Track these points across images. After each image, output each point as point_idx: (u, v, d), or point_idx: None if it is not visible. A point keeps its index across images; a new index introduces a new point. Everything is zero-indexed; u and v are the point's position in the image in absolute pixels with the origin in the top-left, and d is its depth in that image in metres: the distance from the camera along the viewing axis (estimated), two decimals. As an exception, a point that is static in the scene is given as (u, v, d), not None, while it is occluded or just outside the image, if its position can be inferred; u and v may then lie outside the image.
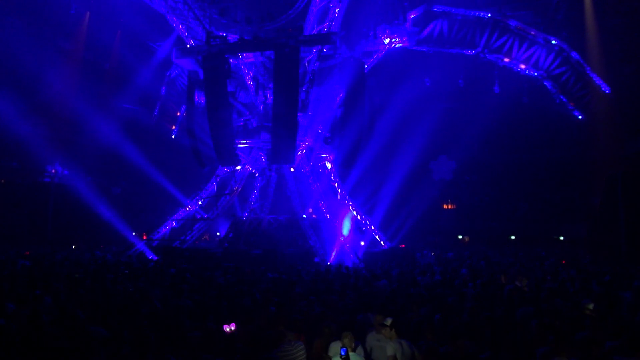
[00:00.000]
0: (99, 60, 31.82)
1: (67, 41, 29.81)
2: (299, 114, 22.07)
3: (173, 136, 31.32)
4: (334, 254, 19.92)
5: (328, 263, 18.32)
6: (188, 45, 23.85)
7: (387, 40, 24.39)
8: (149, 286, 10.58)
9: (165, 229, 24.40)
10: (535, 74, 25.95)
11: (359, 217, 23.48)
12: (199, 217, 24.86)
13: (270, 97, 23.24)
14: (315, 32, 23.03)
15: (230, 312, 8.02)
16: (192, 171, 27.10)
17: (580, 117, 26.38)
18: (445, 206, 32.89)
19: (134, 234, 25.05)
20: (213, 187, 25.23)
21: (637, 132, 24.88)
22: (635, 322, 7.09)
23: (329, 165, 24.30)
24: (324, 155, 24.28)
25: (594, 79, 25.18)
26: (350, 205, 23.58)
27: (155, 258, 19.55)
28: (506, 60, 25.69)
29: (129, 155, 26.90)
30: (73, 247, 24.20)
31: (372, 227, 23.70)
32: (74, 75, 29.76)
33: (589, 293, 9.67)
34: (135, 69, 30.43)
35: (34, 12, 27.36)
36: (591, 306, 7.85)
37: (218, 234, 29.44)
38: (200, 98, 24.13)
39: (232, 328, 6.26)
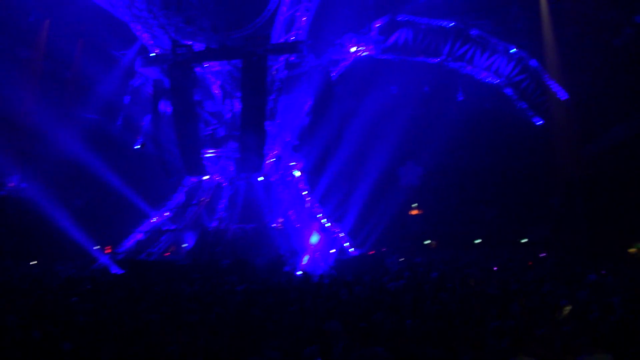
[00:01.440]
0: (59, 69, 30.92)
1: (26, 50, 28.87)
2: (267, 123, 22.03)
3: (139, 146, 30.67)
4: (304, 262, 19.88)
5: (299, 272, 18.25)
6: (153, 54, 23.48)
7: (353, 49, 24.67)
8: (114, 301, 10.30)
9: (130, 242, 23.79)
10: (497, 81, 26.76)
11: (328, 224, 23.52)
12: (165, 228, 24.37)
13: (237, 106, 23.12)
14: (282, 40, 23.08)
15: (201, 324, 7.88)
16: (158, 182, 26.56)
17: (539, 122, 27.29)
18: (413, 212, 33.29)
19: (97, 247, 24.32)
20: (180, 197, 24.82)
21: (592, 136, 25.86)
22: (597, 318, 7.33)
23: (297, 174, 24.29)
24: (293, 164, 24.26)
25: (552, 85, 26.11)
26: (320, 213, 23.60)
27: (120, 272, 19.05)
28: (469, 68, 26.42)
29: (92, 167, 26.18)
30: (32, 263, 23.32)
31: (342, 234, 23.78)
32: (33, 85, 28.83)
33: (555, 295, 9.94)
34: (98, 78, 29.71)
35: (-9, 21, 26.44)
36: (568, 308, 8.05)
37: (186, 245, 28.93)
38: (166, 107, 23.78)
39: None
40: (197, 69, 22.66)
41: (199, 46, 22.99)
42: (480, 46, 25.82)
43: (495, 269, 16.45)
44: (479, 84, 27.37)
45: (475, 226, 30.52)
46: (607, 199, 20.83)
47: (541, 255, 21.02)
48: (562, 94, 26.20)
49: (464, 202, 32.18)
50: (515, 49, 25.65)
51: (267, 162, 23.09)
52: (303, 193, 24.00)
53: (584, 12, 25.49)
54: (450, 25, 25.22)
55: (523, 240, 28.10)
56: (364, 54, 25.07)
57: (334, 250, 22.29)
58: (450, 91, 28.57)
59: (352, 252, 23.07)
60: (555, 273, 14.11)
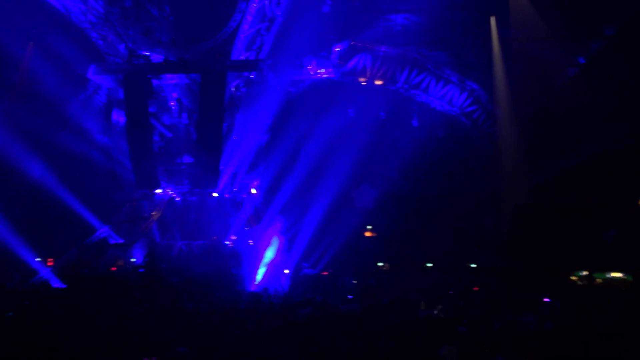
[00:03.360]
0: (6, 72, 29.49)
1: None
2: (224, 139, 21.83)
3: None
4: (256, 281, 19.59)
5: (250, 290, 17.97)
6: (108, 63, 22.89)
7: (313, 71, 24.99)
8: (53, 318, 9.75)
9: (74, 255, 22.70)
10: (450, 110, 27.75)
11: (282, 243, 23.34)
12: (113, 242, 23.44)
13: (194, 120, 22.82)
14: (243, 58, 23.09)
15: (149, 344, 7.57)
16: (107, 193, 25.59)
17: (489, 151, 28.40)
18: (366, 234, 33.54)
19: (38, 259, 23.01)
20: (130, 210, 24.01)
21: (538, 167, 27.10)
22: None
23: (253, 191, 24.09)
24: (248, 181, 24.06)
25: (502, 117, 27.30)
26: (274, 231, 23.41)
27: (63, 286, 18.11)
28: (424, 96, 27.28)
29: (35, 175, 24.93)
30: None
31: (296, 254, 23.64)
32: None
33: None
34: (47, 84, 28.55)
35: None
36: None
37: (134, 260, 27.86)
38: (119, 117, 23.15)
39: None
40: (154, 81, 22.24)
41: (156, 57, 22.64)
42: (435, 76, 26.76)
43: (451, 292, 16.75)
44: (433, 111, 28.24)
45: (427, 250, 31.04)
46: (551, 227, 21.75)
47: (488, 280, 21.59)
48: (511, 126, 27.42)
49: (417, 225, 32.71)
50: (468, 81, 26.75)
51: (222, 178, 22.79)
52: (258, 211, 23.79)
53: (531, 51, 26.95)
54: (408, 54, 26.03)
55: (472, 265, 28.82)
56: (324, 76, 25.43)
57: (287, 270, 22.12)
58: (405, 117, 29.30)
59: (305, 271, 22.96)
60: (501, 298, 14.54)
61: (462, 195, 31.05)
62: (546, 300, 13.93)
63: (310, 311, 11.46)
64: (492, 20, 26.65)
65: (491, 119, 27.46)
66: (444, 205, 31.59)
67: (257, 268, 20.45)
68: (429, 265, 29.65)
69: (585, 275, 20.02)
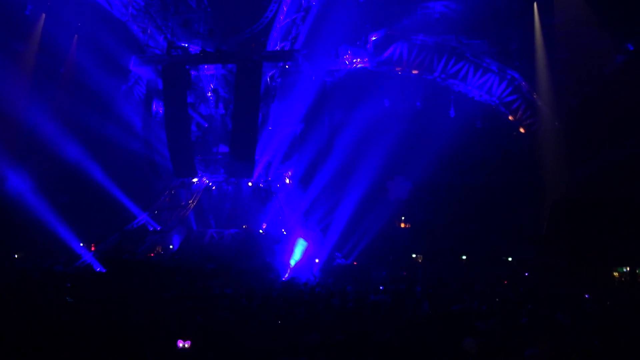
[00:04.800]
0: (53, 64, 30.68)
1: (21, 43, 28.64)
2: (259, 129, 22.04)
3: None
4: (289, 270, 19.81)
5: (283, 279, 18.19)
6: (148, 54, 23.47)
7: (348, 60, 24.83)
8: (94, 300, 10.16)
9: (115, 241, 23.56)
10: (489, 100, 27.03)
11: (315, 233, 23.49)
12: (151, 229, 24.18)
13: (230, 110, 23.14)
14: (278, 48, 23.19)
15: (183, 328, 7.80)
16: (146, 182, 26.37)
17: (529, 143, 27.56)
18: (400, 225, 33.35)
19: (81, 244, 24.03)
20: (168, 198, 24.67)
21: (581, 161, 26.15)
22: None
23: (287, 181, 24.29)
24: (283, 171, 24.26)
25: (543, 108, 26.43)
26: (308, 221, 23.58)
27: (104, 270, 18.84)
28: (461, 85, 26.66)
29: (79, 163, 25.91)
30: (15, 256, 23.00)
31: (329, 244, 23.75)
32: (26, 78, 28.57)
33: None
34: (91, 75, 29.52)
35: (-14, 12, 26.19)
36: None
37: (171, 247, 28.71)
38: (158, 108, 23.72)
39: (187, 345, 6.11)
40: (192, 72, 22.66)
41: (194, 48, 23.04)
42: (473, 65, 26.05)
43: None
44: (471, 101, 27.60)
45: (461, 242, 30.62)
46: (592, 223, 21.03)
47: (525, 274, 21.14)
48: (553, 117, 26.53)
49: (451, 218, 32.29)
50: (508, 70, 25.95)
51: (258, 167, 23.06)
52: (292, 200, 23.98)
53: (576, 39, 25.90)
54: (445, 42, 25.47)
55: (508, 259, 28.27)
56: (359, 65, 25.24)
57: (319, 259, 22.26)
58: (442, 108, 28.77)
59: (338, 262, 23.05)
60: (537, 293, 14.19)
61: (499, 188, 30.37)
62: (587, 296, 13.50)
63: (341, 300, 11.52)
64: (535, 6, 25.73)
65: (531, 109, 26.58)
66: (480, 198, 31.01)
67: (290, 257, 20.66)
68: (464, 257, 29.26)
69: (627, 271, 19.32)
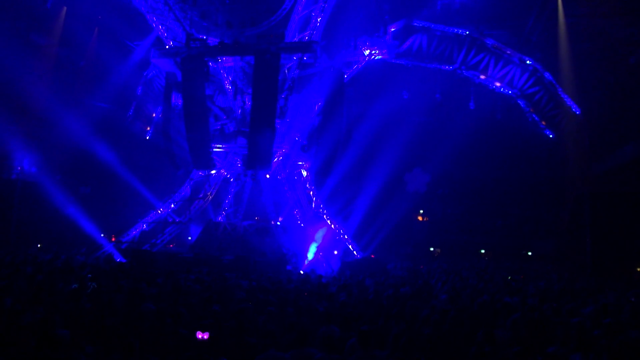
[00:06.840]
0: (74, 57, 31.06)
1: (42, 36, 29.05)
2: (277, 121, 22.02)
3: (147, 137, 30.80)
4: (306, 262, 19.85)
5: (300, 271, 18.22)
6: (167, 46, 23.58)
7: (367, 52, 24.63)
8: (111, 289, 10.27)
9: (135, 232, 23.89)
10: (510, 92, 26.55)
11: (332, 226, 23.47)
12: (170, 220, 24.43)
13: (248, 102, 23.16)
14: (296, 39, 23.08)
15: (201, 319, 7.84)
16: (165, 173, 26.63)
17: (551, 136, 27.07)
18: (418, 218, 33.19)
19: (102, 235, 24.42)
20: (186, 190, 24.88)
21: (604, 154, 25.62)
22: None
23: (304, 173, 24.27)
24: (300, 163, 24.24)
25: (566, 99, 25.90)
26: (325, 213, 23.56)
27: (124, 261, 19.10)
28: (482, 77, 26.21)
29: (100, 155, 26.26)
30: (39, 245, 23.47)
31: (346, 237, 23.72)
32: (47, 71, 29.00)
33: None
34: (112, 68, 29.84)
35: (8, 5, 26.59)
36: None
37: (190, 238, 28.99)
38: (177, 100, 23.86)
39: (205, 337, 6.14)
40: (210, 64, 22.70)
41: (212, 40, 23.08)
42: (494, 56, 25.56)
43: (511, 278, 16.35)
44: (491, 94, 27.18)
45: (480, 236, 30.37)
46: (614, 217, 20.62)
47: (546, 268, 20.84)
48: (575, 109, 26.00)
49: (470, 211, 32.03)
50: (530, 61, 25.44)
51: (275, 160, 23.09)
52: (309, 193, 23.97)
53: (600, 29, 25.29)
54: (466, 33, 25.05)
55: (528, 253, 27.93)
56: (377, 57, 25.01)
57: (337, 252, 22.25)
58: (461, 100, 28.41)
59: (355, 254, 23.02)
60: (561, 288, 13.96)
61: (520, 181, 29.99)
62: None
63: (357, 293, 11.50)
64: (559, -5, 25.19)
65: (554, 101, 26.04)
66: (500, 191, 30.69)
67: (307, 249, 20.68)
68: (482, 251, 29.02)
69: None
